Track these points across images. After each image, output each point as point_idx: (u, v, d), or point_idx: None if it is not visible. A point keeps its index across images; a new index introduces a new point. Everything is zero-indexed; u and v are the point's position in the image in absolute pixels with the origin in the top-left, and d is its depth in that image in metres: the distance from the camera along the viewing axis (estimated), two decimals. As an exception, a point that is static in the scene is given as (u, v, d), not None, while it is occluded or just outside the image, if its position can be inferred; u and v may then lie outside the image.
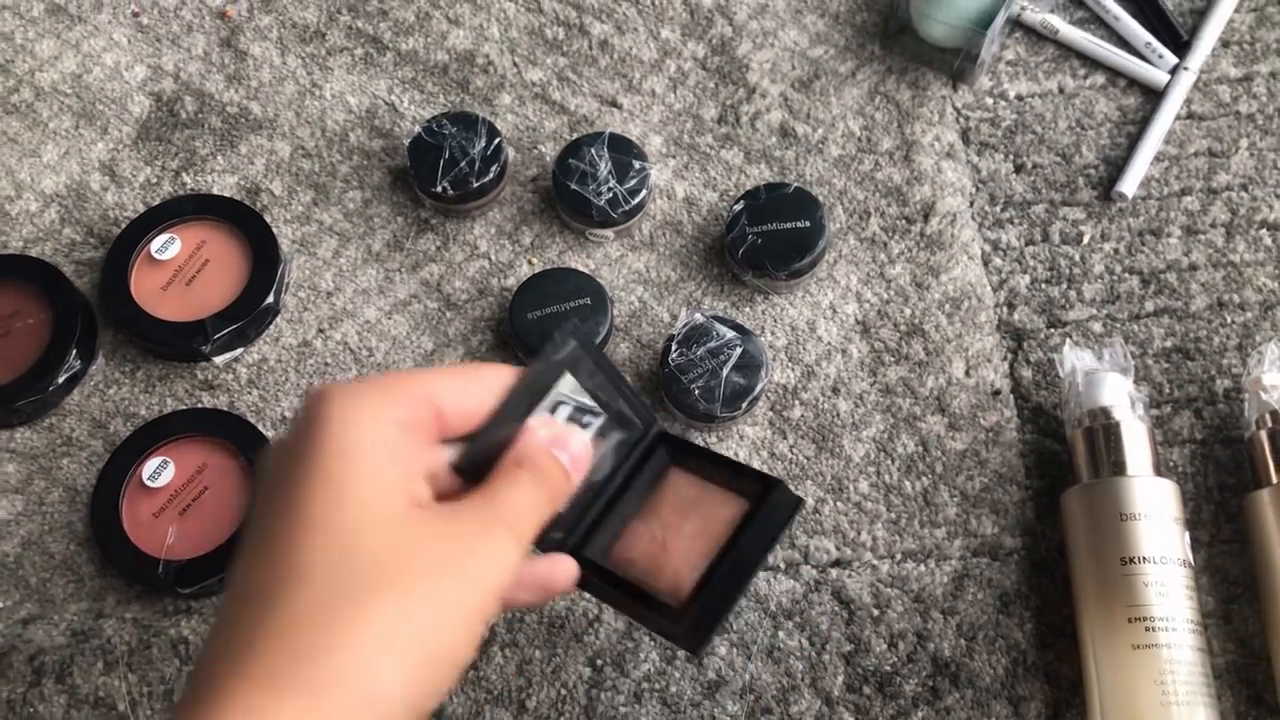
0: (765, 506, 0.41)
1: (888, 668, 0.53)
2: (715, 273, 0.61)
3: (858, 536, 0.56)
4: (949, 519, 0.56)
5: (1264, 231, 0.61)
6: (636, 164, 0.61)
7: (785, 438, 0.58)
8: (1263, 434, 0.54)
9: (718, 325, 0.57)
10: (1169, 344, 0.59)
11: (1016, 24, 0.66)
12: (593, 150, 0.61)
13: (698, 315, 0.57)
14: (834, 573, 0.55)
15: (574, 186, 0.60)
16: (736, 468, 0.43)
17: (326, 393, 0.36)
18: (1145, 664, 0.48)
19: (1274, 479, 0.52)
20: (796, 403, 0.58)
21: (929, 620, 0.54)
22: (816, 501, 0.56)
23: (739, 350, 0.56)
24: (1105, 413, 0.53)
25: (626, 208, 0.60)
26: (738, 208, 0.60)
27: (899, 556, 0.55)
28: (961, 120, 0.64)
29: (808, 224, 0.59)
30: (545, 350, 0.40)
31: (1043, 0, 0.66)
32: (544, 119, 0.65)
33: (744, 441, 0.58)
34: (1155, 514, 0.50)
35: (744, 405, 0.55)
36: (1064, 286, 0.60)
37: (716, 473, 0.43)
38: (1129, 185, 0.62)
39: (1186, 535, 0.51)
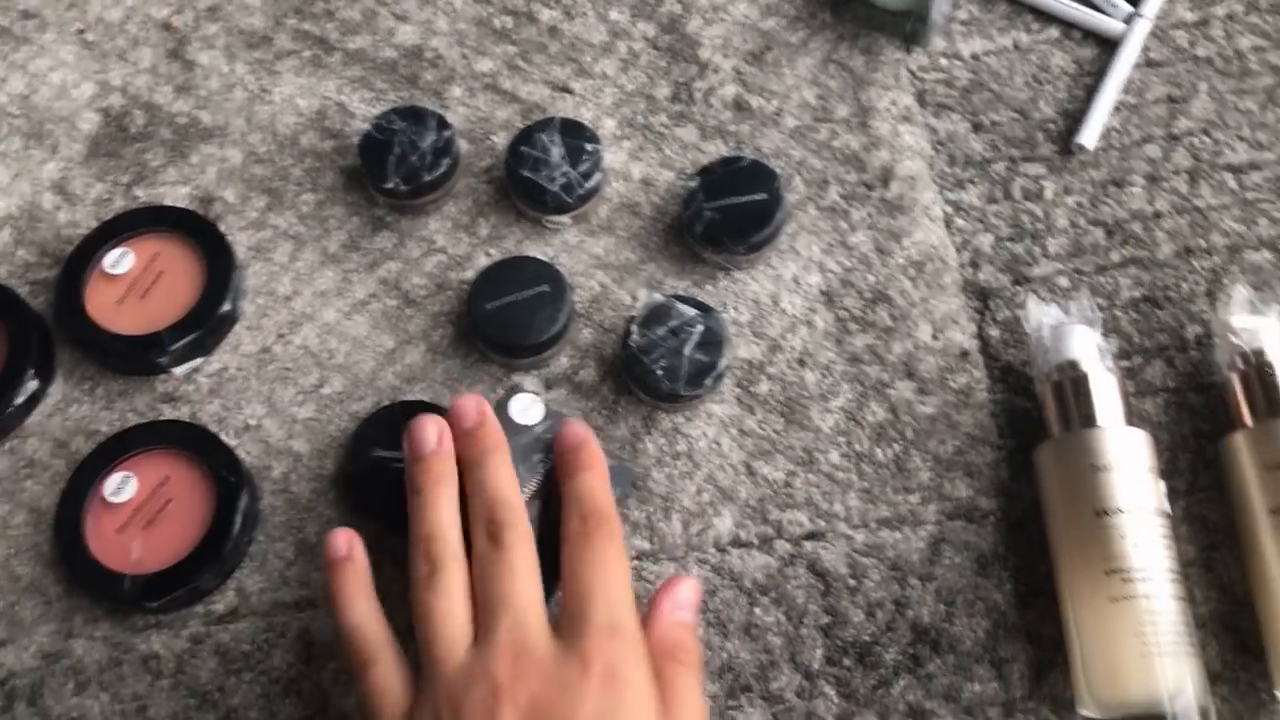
0: None
1: (867, 638, 0.52)
2: (676, 252, 0.61)
3: (831, 507, 0.55)
4: (923, 484, 0.55)
5: (1227, 174, 0.60)
6: (589, 147, 0.60)
7: (753, 413, 0.57)
8: (1234, 377, 0.53)
9: (678, 304, 0.56)
10: (1137, 294, 0.58)
11: (967, -18, 0.65)
12: (544, 136, 0.60)
13: (657, 295, 0.56)
14: (808, 545, 0.54)
15: (527, 174, 0.60)
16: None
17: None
18: (1124, 616, 0.47)
19: (1248, 421, 0.52)
20: (763, 377, 0.58)
21: (907, 587, 0.53)
22: (788, 475, 0.56)
23: (700, 328, 0.55)
24: (1073, 365, 0.53)
25: (581, 191, 0.60)
26: (693, 184, 0.59)
27: (873, 525, 0.54)
28: (917, 83, 0.64)
29: (765, 196, 0.58)
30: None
31: (992, -43, 0.66)
32: (495, 109, 0.65)
33: (712, 420, 0.57)
34: (1127, 464, 0.50)
35: (708, 383, 0.55)
36: (1028, 243, 0.60)
37: None
38: (1089, 137, 0.61)
39: (1162, 484, 0.50)
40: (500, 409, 0.53)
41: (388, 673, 0.44)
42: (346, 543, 0.48)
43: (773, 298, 0.59)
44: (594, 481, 0.47)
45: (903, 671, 0.51)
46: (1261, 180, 0.60)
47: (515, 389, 0.54)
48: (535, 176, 0.60)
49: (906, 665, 0.52)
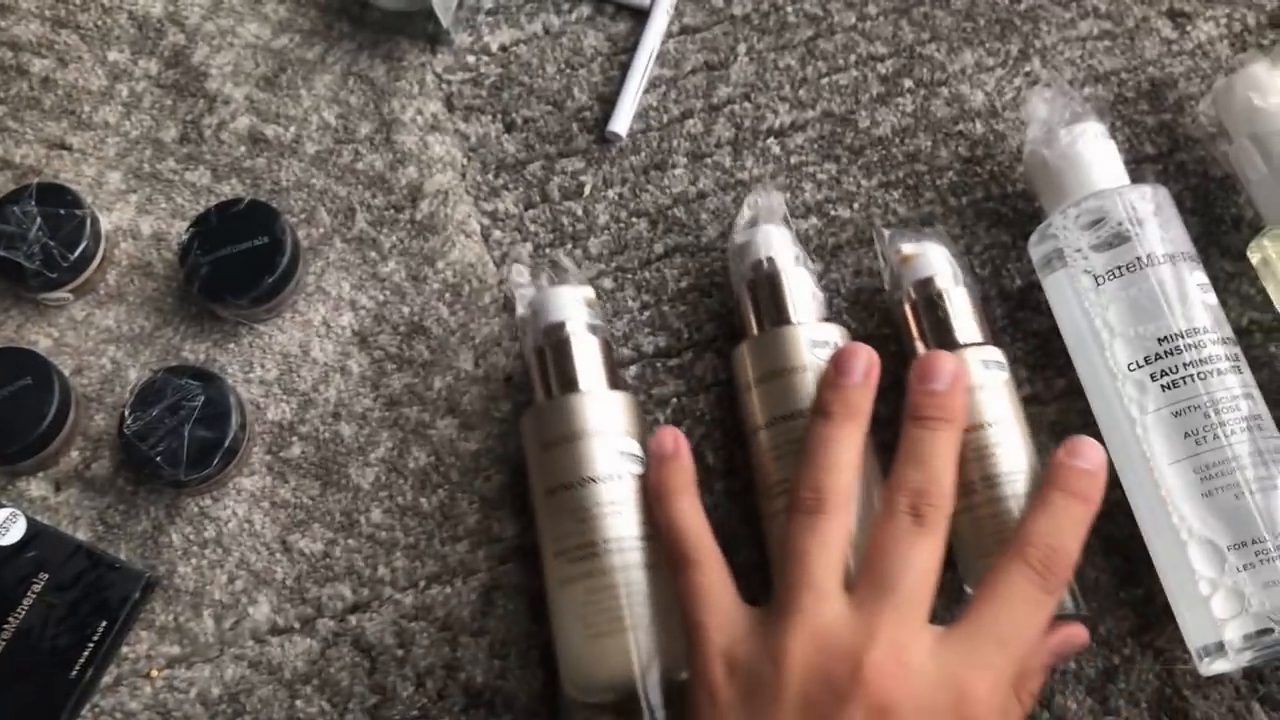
0: None
1: (416, 713, 0.48)
2: (194, 313, 0.55)
3: (374, 573, 0.50)
4: (470, 529, 0.51)
5: (771, 140, 0.57)
6: (73, 212, 0.54)
7: (287, 481, 0.52)
8: (744, 289, 0.50)
9: (173, 378, 0.50)
10: (684, 284, 0.55)
11: (487, -31, 0.61)
12: (17, 208, 0.54)
13: (148, 372, 0.51)
14: (353, 619, 0.50)
15: (2, 253, 0.53)
16: None
17: None
18: (572, 599, 0.44)
19: (753, 330, 0.49)
20: (295, 439, 0.53)
21: (458, 647, 0.49)
22: (327, 545, 0.51)
23: (201, 400, 0.50)
24: (555, 329, 0.49)
25: (68, 264, 0.53)
26: (185, 237, 0.53)
27: (422, 584, 0.50)
28: (444, 86, 0.59)
29: (266, 240, 0.53)
30: None
31: (509, -62, 0.61)
32: (-15, 180, 0.58)
33: (242, 496, 0.52)
34: (599, 432, 0.46)
35: (216, 461, 0.49)
36: (569, 246, 0.55)
37: None
38: (620, 123, 0.57)
39: (633, 444, 0.47)
40: None
41: (713, 576, 0.43)
42: (673, 440, 0.46)
43: (302, 347, 0.54)
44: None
45: (455, 743, 0.47)
46: (804, 141, 0.57)
47: None
48: (12, 255, 0.53)
49: (460, 735, 0.48)
